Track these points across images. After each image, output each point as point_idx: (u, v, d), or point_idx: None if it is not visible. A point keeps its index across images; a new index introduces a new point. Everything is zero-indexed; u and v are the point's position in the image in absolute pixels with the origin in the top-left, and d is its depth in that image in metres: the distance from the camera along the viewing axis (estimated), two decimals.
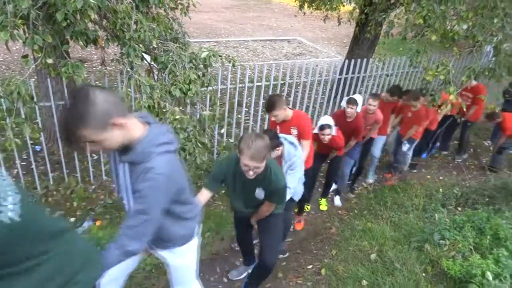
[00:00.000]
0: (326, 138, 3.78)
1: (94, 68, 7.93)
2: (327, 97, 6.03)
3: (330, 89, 5.90)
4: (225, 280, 3.37)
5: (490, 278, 2.75)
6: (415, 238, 3.56)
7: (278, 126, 3.50)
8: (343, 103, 4.40)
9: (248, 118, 5.34)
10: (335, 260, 3.54)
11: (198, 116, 3.97)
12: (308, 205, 4.47)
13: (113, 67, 7.55)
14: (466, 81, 4.05)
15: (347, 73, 5.62)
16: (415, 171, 5.60)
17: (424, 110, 4.73)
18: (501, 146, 5.51)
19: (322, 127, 3.76)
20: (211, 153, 4.76)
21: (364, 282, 3.12)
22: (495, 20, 3.90)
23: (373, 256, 3.42)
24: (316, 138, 3.84)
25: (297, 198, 3.34)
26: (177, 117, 3.07)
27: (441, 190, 4.56)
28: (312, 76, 5.41)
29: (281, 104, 3.24)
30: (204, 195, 2.59)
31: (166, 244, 1.99)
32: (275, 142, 2.84)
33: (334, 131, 3.86)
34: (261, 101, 5.08)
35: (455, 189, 4.58)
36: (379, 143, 4.97)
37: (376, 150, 5.02)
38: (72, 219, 3.84)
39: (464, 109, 4.75)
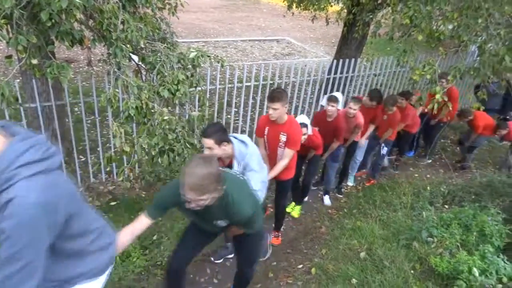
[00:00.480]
0: (302, 138, 3.68)
1: (81, 69, 7.83)
2: (316, 97, 6.06)
3: (319, 88, 5.92)
4: (215, 281, 3.36)
5: (477, 274, 2.80)
6: (403, 236, 3.60)
7: (267, 128, 3.36)
8: (324, 102, 4.39)
9: (237, 118, 5.33)
10: (325, 259, 3.56)
11: (187, 116, 3.95)
12: (298, 206, 4.47)
13: (100, 67, 7.46)
14: (452, 80, 4.11)
15: (335, 73, 5.65)
16: (397, 172, 5.65)
17: (400, 114, 4.74)
18: (471, 145, 5.58)
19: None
20: (201, 153, 4.74)
21: (354, 281, 3.15)
22: (479, 21, 3.97)
23: (362, 254, 3.44)
24: None
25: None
26: (166, 118, 3.04)
27: (428, 188, 4.62)
28: (301, 76, 5.43)
29: (285, 100, 3.11)
30: (143, 222, 2.15)
31: (66, 286, 1.54)
32: (221, 137, 2.61)
33: (310, 130, 3.82)
34: (250, 101, 5.08)
35: (442, 187, 4.65)
36: (361, 149, 5.00)
37: (359, 153, 5.03)
38: None
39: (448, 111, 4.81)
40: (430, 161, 6.10)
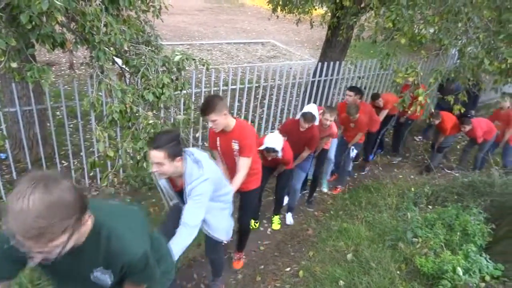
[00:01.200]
0: (270, 158, 3.54)
1: (63, 72, 7.67)
2: (301, 99, 6.10)
3: (304, 91, 5.96)
4: (202, 286, 3.32)
5: (461, 273, 2.85)
6: (389, 237, 3.65)
7: (218, 139, 3.01)
8: (299, 116, 4.01)
9: None
10: (312, 261, 3.57)
11: (172, 120, 3.91)
12: (257, 222, 4.17)
13: (83, 70, 7.32)
14: (433, 82, 4.19)
15: (320, 75, 5.70)
16: (363, 172, 5.72)
17: (365, 117, 4.73)
18: (441, 146, 5.67)
19: (267, 150, 3.43)
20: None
21: (341, 283, 3.16)
22: (459, 25, 4.07)
23: (349, 256, 3.47)
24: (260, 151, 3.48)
25: (226, 238, 2.75)
26: (151, 122, 3.00)
27: (412, 189, 4.69)
28: (287, 79, 5.45)
29: (221, 108, 2.68)
30: None
31: None
32: (175, 150, 2.10)
33: (280, 154, 3.50)
34: (236, 104, 5.07)
35: (425, 187, 4.72)
36: (334, 146, 4.87)
37: (332, 153, 4.91)
38: None
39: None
40: (400, 158, 6.15)
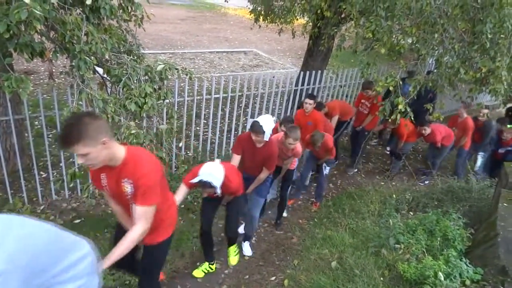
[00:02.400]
0: (206, 194, 3.13)
1: (41, 81, 7.50)
2: (284, 108, 6.15)
3: (287, 99, 6.02)
4: None
5: (442, 278, 2.90)
6: (372, 244, 3.68)
7: (103, 176, 2.07)
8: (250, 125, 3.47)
9: (207, 130, 5.29)
10: (297, 270, 3.57)
11: (155, 129, 3.87)
12: (212, 265, 3.55)
13: (62, 79, 7.18)
14: (413, 91, 4.30)
15: (302, 84, 5.78)
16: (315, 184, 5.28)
17: (326, 132, 4.59)
18: (399, 152, 5.76)
19: (202, 184, 2.89)
20: (169, 167, 4.65)
21: None
22: (436, 35, 4.20)
23: (333, 264, 3.48)
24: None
25: None
26: (133, 131, 2.97)
27: (394, 195, 4.77)
28: (270, 88, 5.49)
29: (94, 133, 1.76)
30: None
31: None
32: None
33: (218, 191, 2.95)
34: (219, 112, 5.07)
35: (406, 194, 4.81)
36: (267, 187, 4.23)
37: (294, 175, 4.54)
38: None
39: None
40: (356, 170, 5.97)
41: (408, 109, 4.26)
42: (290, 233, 4.36)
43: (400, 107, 4.16)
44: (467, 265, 3.05)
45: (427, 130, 5.41)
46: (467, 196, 4.51)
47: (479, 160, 5.84)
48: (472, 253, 3.36)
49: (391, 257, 3.38)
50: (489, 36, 3.84)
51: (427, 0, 3.85)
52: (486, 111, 5.77)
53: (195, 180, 2.86)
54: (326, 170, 4.77)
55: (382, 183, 5.63)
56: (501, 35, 3.88)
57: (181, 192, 3.02)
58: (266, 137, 3.31)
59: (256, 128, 3.25)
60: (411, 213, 4.42)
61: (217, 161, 3.08)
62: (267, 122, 3.30)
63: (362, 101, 5.72)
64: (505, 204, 3.61)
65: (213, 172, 2.89)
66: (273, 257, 3.90)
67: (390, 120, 5.30)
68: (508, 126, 5.67)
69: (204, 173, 2.87)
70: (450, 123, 5.98)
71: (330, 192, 5.38)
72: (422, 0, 3.86)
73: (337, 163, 5.85)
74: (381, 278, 3.21)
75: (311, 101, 4.76)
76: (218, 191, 2.94)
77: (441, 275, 2.91)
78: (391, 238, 3.56)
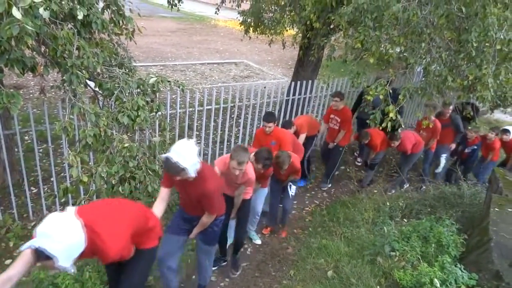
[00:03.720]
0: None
1: (31, 95, 7.44)
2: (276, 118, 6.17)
3: (278, 110, 6.05)
4: None
5: (438, 285, 2.91)
6: (367, 252, 3.69)
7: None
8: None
9: (199, 141, 5.29)
10: (293, 280, 3.55)
11: (147, 142, 3.85)
12: None
13: (53, 93, 7.14)
14: (402, 100, 4.35)
15: (294, 94, 5.83)
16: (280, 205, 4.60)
17: (293, 152, 4.23)
18: (372, 163, 5.73)
19: (167, 167, 2.52)
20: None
21: None
22: (423, 44, 4.28)
23: (329, 273, 3.48)
24: None
25: None
26: (126, 145, 2.95)
27: (387, 203, 4.79)
28: (261, 98, 5.53)
29: None
30: None
31: None
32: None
33: (192, 173, 2.52)
34: (212, 124, 5.08)
35: (400, 201, 4.84)
36: (262, 196, 4.02)
37: (259, 205, 4.02)
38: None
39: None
40: (330, 185, 5.80)
41: (399, 117, 4.31)
42: (285, 243, 4.34)
43: (391, 115, 4.21)
44: (462, 271, 3.07)
45: (396, 143, 5.42)
46: (459, 201, 4.55)
47: (442, 162, 5.83)
48: (466, 259, 3.38)
49: (387, 265, 3.38)
50: (475, 45, 3.93)
51: (413, 10, 3.93)
52: (451, 107, 5.72)
53: (163, 156, 2.48)
54: (292, 191, 4.30)
55: (375, 191, 5.66)
56: (486, 44, 3.97)
57: (160, 198, 2.76)
58: (192, 172, 2.51)
59: (171, 169, 2.47)
60: (405, 220, 4.45)
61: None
62: (186, 153, 2.46)
63: (332, 116, 5.50)
64: (496, 209, 3.65)
65: (181, 151, 2.43)
66: (269, 268, 3.88)
67: (361, 134, 5.38)
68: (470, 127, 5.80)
69: (174, 150, 2.45)
70: (417, 127, 5.94)
71: (324, 201, 5.39)
72: (409, 10, 3.93)
73: (307, 184, 5.66)
74: (378, 287, 3.21)
75: (271, 124, 4.26)
76: (192, 174, 2.48)
77: (437, 282, 2.92)
78: (386, 245, 3.57)
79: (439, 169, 5.88)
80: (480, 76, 4.05)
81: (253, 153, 3.36)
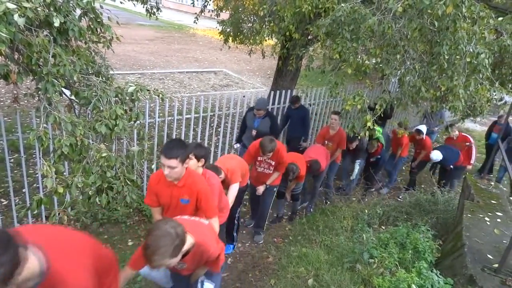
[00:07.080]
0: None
1: (2, 103, 7.17)
2: None
3: None
4: None
5: None
6: (347, 259, 3.73)
7: None
8: None
9: None
10: None
11: (125, 152, 3.78)
12: None
13: (25, 101, 6.91)
14: (379, 109, 4.47)
15: (273, 103, 5.87)
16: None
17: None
18: (294, 193, 5.21)
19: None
20: (141, 189, 4.53)
21: None
22: (398, 56, 4.43)
23: (310, 281, 3.48)
24: None
25: None
26: (104, 154, 2.88)
27: (366, 210, 4.87)
28: (241, 107, 5.54)
29: None
30: None
31: None
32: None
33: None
34: (191, 132, 5.04)
35: (377, 208, 4.93)
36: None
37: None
38: None
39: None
40: (306, 203, 5.54)
41: (377, 127, 4.42)
42: (265, 252, 4.33)
43: (368, 124, 4.31)
44: (438, 276, 3.14)
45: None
46: (433, 208, 4.69)
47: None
48: (442, 264, 3.47)
49: (366, 272, 3.43)
50: (446, 57, 4.10)
51: (388, 23, 4.07)
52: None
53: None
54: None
55: (354, 199, 5.75)
56: (457, 56, 4.15)
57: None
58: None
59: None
60: (383, 227, 4.53)
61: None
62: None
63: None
64: (469, 215, 3.78)
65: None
66: (250, 278, 3.85)
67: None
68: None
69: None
70: (319, 138, 5.64)
71: (304, 210, 5.42)
72: (384, 23, 4.07)
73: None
74: None
75: (221, 176, 3.60)
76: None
77: (414, 287, 2.98)
78: (365, 253, 3.62)
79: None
80: (451, 87, 4.22)
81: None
